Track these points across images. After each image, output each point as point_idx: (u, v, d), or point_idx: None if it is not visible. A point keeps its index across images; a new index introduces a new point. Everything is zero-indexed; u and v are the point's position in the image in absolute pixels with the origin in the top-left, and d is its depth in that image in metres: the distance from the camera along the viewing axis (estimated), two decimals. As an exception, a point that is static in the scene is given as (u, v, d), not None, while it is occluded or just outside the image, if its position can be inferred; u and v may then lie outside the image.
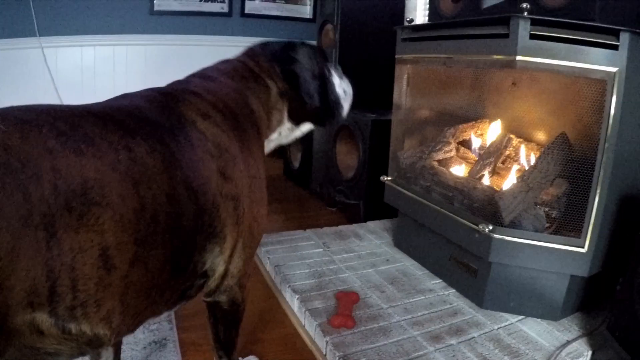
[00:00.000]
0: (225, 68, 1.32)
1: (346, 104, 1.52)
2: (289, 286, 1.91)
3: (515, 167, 2.00)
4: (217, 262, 1.09)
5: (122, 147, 0.83)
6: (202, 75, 1.27)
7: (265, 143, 1.38)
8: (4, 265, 0.65)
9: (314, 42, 3.45)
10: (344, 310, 1.71)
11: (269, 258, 2.18)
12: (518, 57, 1.56)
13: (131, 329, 0.94)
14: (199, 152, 1.00)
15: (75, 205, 0.73)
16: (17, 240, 0.66)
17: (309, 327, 1.71)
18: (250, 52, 1.41)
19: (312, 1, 4.90)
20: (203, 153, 1.01)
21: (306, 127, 1.50)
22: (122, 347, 1.39)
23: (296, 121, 1.45)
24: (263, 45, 1.42)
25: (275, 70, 1.36)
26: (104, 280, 0.77)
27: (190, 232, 0.95)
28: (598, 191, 1.56)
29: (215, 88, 1.19)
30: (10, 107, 0.79)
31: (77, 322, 0.76)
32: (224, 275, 1.14)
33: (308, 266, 2.11)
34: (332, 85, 1.47)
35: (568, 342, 1.61)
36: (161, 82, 1.24)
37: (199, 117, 1.06)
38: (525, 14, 1.55)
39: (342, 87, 1.49)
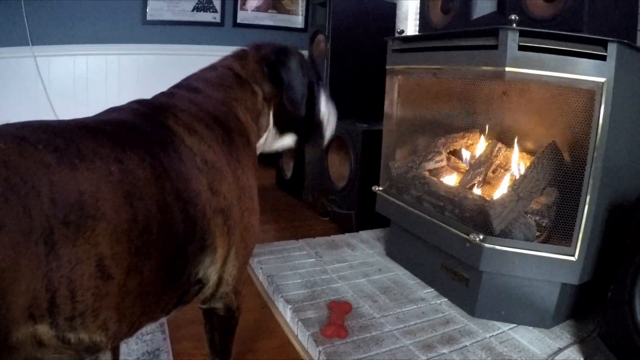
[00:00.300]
0: (211, 77, 1.31)
1: (329, 126, 1.53)
2: (282, 296, 1.92)
3: (505, 176, 2.01)
4: (210, 271, 1.09)
5: (113, 160, 0.85)
6: (188, 87, 1.26)
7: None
8: (7, 279, 0.66)
9: (306, 52, 3.47)
10: (337, 320, 1.71)
11: (261, 268, 2.18)
12: (507, 69, 1.58)
13: (129, 334, 0.95)
14: (188, 166, 1.01)
15: (72, 218, 0.74)
16: (19, 253, 0.67)
17: (301, 337, 1.71)
18: (240, 53, 1.40)
19: (304, 11, 4.93)
20: (192, 167, 1.02)
21: (289, 139, 1.49)
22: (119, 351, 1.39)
23: (280, 129, 1.43)
24: (256, 46, 1.40)
25: (263, 72, 1.34)
26: (101, 290, 0.79)
27: (182, 241, 0.96)
28: (588, 200, 1.57)
29: (201, 101, 1.19)
30: (6, 124, 0.81)
31: (76, 332, 0.78)
32: (219, 283, 1.14)
33: (300, 276, 2.11)
34: (318, 101, 1.46)
35: (560, 350, 1.62)
36: (153, 91, 1.24)
37: (186, 133, 1.06)
38: (514, 25, 1.57)
39: (328, 107, 1.50)
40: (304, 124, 1.45)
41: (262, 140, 1.40)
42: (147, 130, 0.99)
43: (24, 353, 0.74)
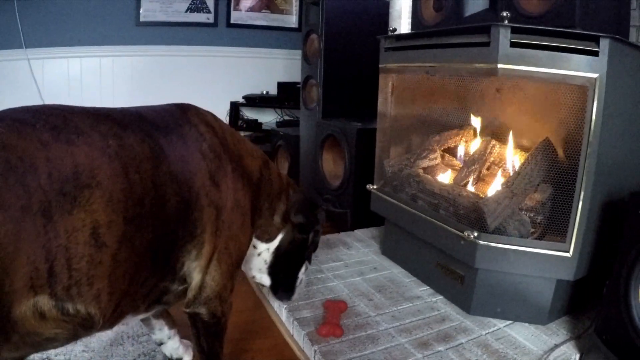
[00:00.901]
0: (266, 159, 1.45)
1: (301, 285, 1.65)
2: (277, 296, 1.91)
3: (499, 173, 2.01)
4: (194, 266, 1.13)
5: (112, 135, 0.91)
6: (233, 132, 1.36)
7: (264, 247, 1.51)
8: (9, 253, 0.72)
9: (300, 51, 3.47)
10: (332, 319, 1.71)
11: (257, 268, 2.18)
12: (499, 65, 1.58)
13: (114, 319, 0.99)
14: (191, 149, 1.07)
15: (68, 189, 0.80)
16: (19, 228, 0.73)
17: (297, 337, 1.71)
18: (291, 185, 1.55)
19: (298, 11, 4.93)
20: (195, 151, 1.08)
21: (267, 280, 1.57)
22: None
23: (271, 268, 1.54)
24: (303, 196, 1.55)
25: (287, 214, 1.49)
26: (95, 258, 0.84)
27: (173, 221, 1.01)
28: (582, 196, 1.57)
29: (238, 139, 1.32)
30: (8, 109, 0.87)
31: (73, 301, 0.82)
32: (201, 286, 1.17)
33: (296, 275, 2.11)
34: (302, 260, 1.60)
35: (556, 346, 1.62)
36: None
37: (202, 124, 1.15)
38: (506, 22, 1.57)
39: (305, 268, 1.64)
40: (286, 277, 1.58)
41: (262, 246, 1.51)
42: (153, 118, 1.06)
43: (27, 326, 0.79)
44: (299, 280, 1.61)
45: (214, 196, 1.12)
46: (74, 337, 0.90)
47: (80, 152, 0.84)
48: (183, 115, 1.14)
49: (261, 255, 1.51)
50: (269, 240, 1.49)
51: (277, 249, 1.51)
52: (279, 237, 1.49)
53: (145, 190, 0.93)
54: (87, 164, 0.84)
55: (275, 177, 1.46)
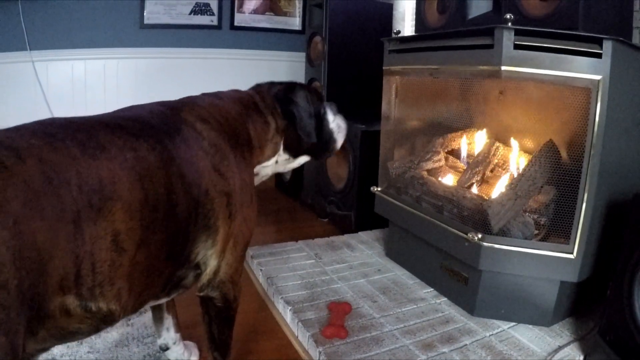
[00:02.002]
0: (234, 95, 1.46)
1: (340, 137, 1.68)
2: (282, 298, 1.92)
3: (503, 175, 2.01)
4: (210, 254, 1.20)
5: (127, 149, 0.99)
6: (212, 94, 1.41)
7: (260, 168, 1.51)
8: (46, 256, 0.79)
9: (303, 54, 3.48)
10: (336, 320, 1.71)
11: (261, 270, 2.19)
12: (503, 68, 1.59)
13: (135, 308, 1.07)
14: (194, 149, 1.14)
15: (94, 201, 0.88)
16: (55, 235, 0.80)
17: (302, 338, 1.71)
18: (258, 88, 1.57)
19: (301, 13, 4.93)
20: (198, 150, 1.15)
21: (303, 159, 1.65)
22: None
23: (294, 154, 1.59)
24: (270, 84, 1.59)
25: (276, 108, 1.51)
26: (116, 262, 0.92)
27: (184, 221, 1.08)
28: (585, 197, 1.58)
29: (220, 105, 1.35)
30: (35, 122, 0.94)
31: (96, 300, 0.91)
32: (217, 270, 1.24)
33: (300, 277, 2.12)
34: (326, 122, 1.64)
35: (560, 348, 1.63)
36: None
37: (198, 121, 1.20)
38: (509, 24, 1.57)
39: (335, 122, 1.66)
40: (316, 145, 1.61)
41: (269, 163, 1.54)
42: (157, 122, 1.12)
43: (53, 322, 0.86)
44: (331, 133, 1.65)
45: (222, 186, 1.18)
46: (95, 330, 0.97)
47: (103, 166, 0.92)
48: (178, 116, 1.19)
49: (279, 163, 1.59)
50: (274, 153, 1.54)
51: (287, 146, 1.56)
52: (281, 144, 1.54)
53: (159, 197, 1.01)
54: (109, 178, 0.92)
55: (257, 115, 1.47)
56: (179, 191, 1.06)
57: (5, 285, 0.72)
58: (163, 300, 1.33)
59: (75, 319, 0.90)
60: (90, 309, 0.90)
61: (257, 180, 1.53)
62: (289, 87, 1.55)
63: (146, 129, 1.08)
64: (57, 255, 0.81)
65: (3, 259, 0.72)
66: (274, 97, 1.52)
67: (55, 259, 0.81)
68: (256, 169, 1.49)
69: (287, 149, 1.55)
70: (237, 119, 1.36)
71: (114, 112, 1.16)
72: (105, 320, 0.96)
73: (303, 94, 1.54)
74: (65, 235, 0.82)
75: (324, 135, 1.63)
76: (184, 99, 1.33)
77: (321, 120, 1.61)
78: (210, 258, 1.20)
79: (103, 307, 0.92)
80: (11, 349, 0.73)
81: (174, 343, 1.54)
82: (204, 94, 1.40)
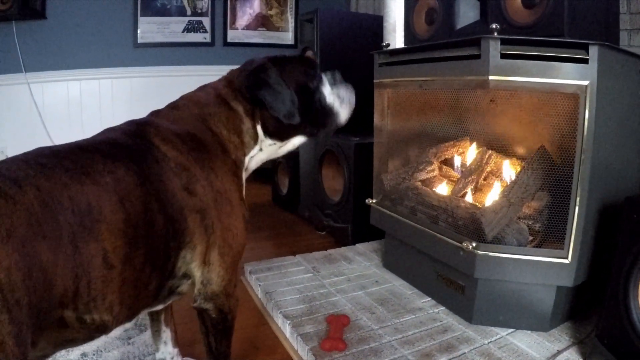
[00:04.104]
0: (194, 96, 1.42)
1: (344, 109, 1.54)
2: (280, 312, 1.92)
3: (496, 182, 2.02)
4: (192, 267, 1.22)
5: (107, 172, 1.04)
6: (172, 105, 1.39)
7: (248, 159, 1.45)
8: (49, 275, 0.86)
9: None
10: (335, 333, 1.72)
11: (259, 285, 2.19)
12: (490, 77, 1.61)
13: (129, 317, 1.13)
14: (163, 169, 1.16)
15: (86, 223, 0.95)
16: (56, 255, 0.88)
17: (301, 352, 1.72)
18: (228, 76, 1.48)
19: (293, 28, 4.96)
20: (167, 170, 1.17)
21: (297, 140, 1.51)
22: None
23: (279, 138, 1.47)
24: (245, 64, 1.47)
25: (243, 93, 1.40)
26: (107, 278, 0.99)
27: (162, 237, 1.12)
28: (578, 202, 1.59)
29: (177, 117, 1.33)
30: (23, 154, 1.01)
31: (90, 313, 0.97)
32: (205, 282, 1.25)
33: (298, 291, 2.12)
34: (321, 95, 1.49)
35: (558, 352, 1.63)
36: (147, 112, 1.35)
37: (162, 142, 1.21)
38: (496, 34, 1.59)
39: (335, 93, 1.51)
40: (310, 122, 1.48)
41: (255, 151, 1.46)
42: (131, 145, 1.16)
43: (52, 333, 0.93)
44: (329, 106, 1.51)
45: (193, 204, 1.19)
46: (90, 338, 1.04)
47: (90, 191, 0.98)
48: (145, 138, 1.20)
49: (264, 149, 1.49)
50: (255, 139, 1.45)
51: (266, 129, 1.45)
52: (259, 128, 1.44)
53: (138, 215, 1.06)
54: (96, 201, 0.98)
55: (220, 108, 1.39)
56: (154, 209, 1.10)
57: (18, 302, 0.79)
58: (160, 307, 1.37)
59: (72, 330, 0.97)
60: (85, 321, 0.97)
61: (249, 171, 1.48)
62: (260, 67, 1.40)
63: (121, 151, 1.13)
64: (59, 273, 0.88)
65: (16, 279, 0.79)
66: (244, 79, 1.41)
67: (57, 277, 0.88)
68: (245, 161, 1.43)
69: (269, 134, 1.44)
70: (198, 126, 1.31)
71: (91, 137, 1.20)
72: (99, 330, 1.03)
73: (273, 73, 1.39)
74: (65, 256, 0.89)
75: (317, 111, 1.47)
76: (148, 117, 1.32)
77: (312, 94, 1.46)
78: (193, 270, 1.22)
79: (97, 318, 0.99)
80: None
81: (172, 358, 1.54)
82: (165, 107, 1.37)
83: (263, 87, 1.38)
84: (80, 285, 0.93)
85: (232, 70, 1.49)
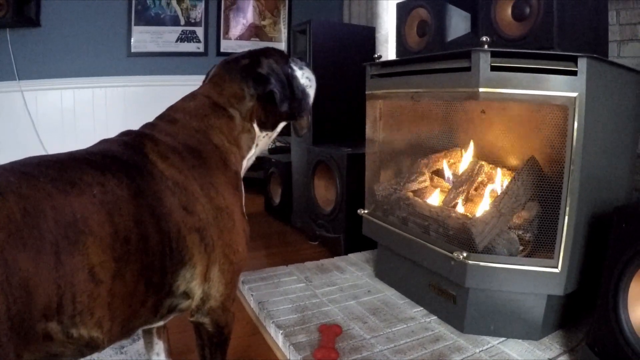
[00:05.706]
0: (189, 107, 1.39)
1: (312, 91, 1.59)
2: (273, 322, 1.93)
3: (487, 193, 2.04)
4: (192, 286, 1.20)
5: (95, 184, 1.01)
6: (168, 118, 1.36)
7: (245, 163, 1.46)
8: (31, 286, 0.83)
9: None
10: (327, 342, 1.72)
11: (252, 295, 2.20)
12: (480, 89, 1.63)
13: (124, 334, 1.10)
14: (160, 187, 1.13)
15: (70, 234, 0.91)
16: (37, 265, 0.85)
17: (293, 362, 1.72)
18: (215, 79, 1.47)
19: (287, 38, 4.99)
20: (164, 188, 1.14)
21: (281, 126, 1.57)
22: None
23: (271, 127, 1.52)
24: (227, 66, 1.48)
25: (242, 94, 1.42)
26: (94, 292, 0.95)
27: (158, 254, 1.09)
28: (567, 211, 1.61)
29: (177, 131, 1.30)
30: (9, 163, 0.98)
31: (77, 327, 0.94)
32: (205, 298, 1.24)
33: (291, 301, 2.13)
34: (296, 80, 1.53)
35: (549, 361, 1.64)
36: (140, 121, 1.34)
37: (159, 159, 1.18)
38: (486, 46, 1.61)
39: (305, 76, 1.56)
40: (291, 107, 1.51)
41: (253, 151, 1.48)
42: (126, 157, 1.14)
43: (37, 346, 0.89)
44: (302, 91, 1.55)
45: (192, 223, 1.16)
46: (80, 354, 1.00)
47: (75, 201, 0.95)
48: (142, 152, 1.17)
49: (259, 144, 1.51)
50: (252, 141, 1.47)
51: (259, 121, 1.47)
52: (255, 127, 1.46)
53: (129, 229, 1.02)
54: (81, 213, 0.95)
55: (217, 115, 1.39)
56: (148, 224, 1.07)
57: None
58: (161, 323, 1.34)
59: (58, 344, 0.93)
60: (72, 336, 0.94)
61: (243, 172, 1.48)
62: (254, 62, 1.44)
63: (113, 162, 1.10)
64: (41, 284, 0.85)
65: None
66: (242, 77, 1.42)
67: (39, 287, 0.85)
68: (244, 165, 1.45)
69: (263, 127, 1.49)
70: (199, 139, 1.31)
71: (86, 148, 1.18)
72: (89, 346, 0.99)
73: (271, 63, 1.46)
74: (47, 266, 0.86)
75: (297, 93, 1.52)
76: (144, 130, 1.29)
77: (291, 80, 1.51)
78: (193, 288, 1.20)
79: (84, 334, 0.96)
80: None
81: None
82: (158, 121, 1.35)
83: (271, 79, 1.42)
84: (64, 298, 0.90)
85: (213, 76, 1.49)
